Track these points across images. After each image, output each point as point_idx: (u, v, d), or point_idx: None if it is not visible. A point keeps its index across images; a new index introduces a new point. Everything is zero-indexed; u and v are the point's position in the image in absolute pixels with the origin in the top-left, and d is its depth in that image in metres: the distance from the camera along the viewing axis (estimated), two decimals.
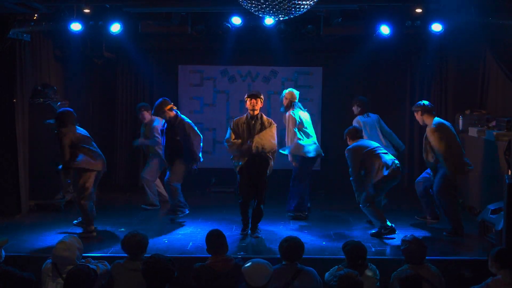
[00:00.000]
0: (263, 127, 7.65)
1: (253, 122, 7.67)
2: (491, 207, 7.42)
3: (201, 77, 11.10)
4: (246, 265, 5.16)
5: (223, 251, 5.72)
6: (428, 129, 7.87)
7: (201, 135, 8.38)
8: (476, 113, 9.47)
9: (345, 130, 8.02)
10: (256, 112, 7.69)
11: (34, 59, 9.26)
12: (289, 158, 8.58)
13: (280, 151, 8.40)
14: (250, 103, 7.66)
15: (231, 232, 7.88)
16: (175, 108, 8.37)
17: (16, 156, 8.65)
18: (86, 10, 8.33)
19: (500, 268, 5.39)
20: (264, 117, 7.78)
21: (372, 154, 7.61)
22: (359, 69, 10.55)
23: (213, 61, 10.96)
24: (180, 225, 8.24)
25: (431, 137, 7.78)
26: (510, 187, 6.47)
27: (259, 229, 7.79)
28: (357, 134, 7.93)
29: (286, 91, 8.71)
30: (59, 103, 9.16)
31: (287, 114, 8.57)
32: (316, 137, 10.56)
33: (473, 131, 8.96)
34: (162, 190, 9.37)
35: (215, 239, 5.74)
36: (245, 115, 7.78)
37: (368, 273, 5.48)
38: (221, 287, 5.49)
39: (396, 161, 7.58)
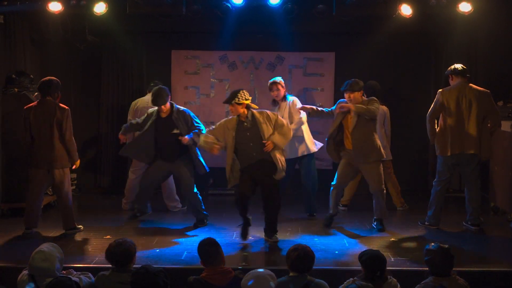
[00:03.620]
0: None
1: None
2: None
3: (197, 64, 11.11)
4: (244, 278, 5.15)
5: (218, 263, 5.71)
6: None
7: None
8: (510, 105, 9.45)
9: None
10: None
11: (7, 43, 9.27)
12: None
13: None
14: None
15: (231, 239, 7.89)
16: None
17: None
18: None
19: None
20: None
21: None
22: (376, 55, 10.55)
23: (211, 45, 10.96)
24: (173, 232, 8.25)
25: None
26: None
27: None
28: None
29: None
30: (36, 94, 9.15)
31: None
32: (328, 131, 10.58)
33: (506, 125, 8.94)
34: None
35: (208, 249, 5.73)
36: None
37: (388, 287, 5.47)
38: None
39: None
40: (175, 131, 8.29)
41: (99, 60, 11.09)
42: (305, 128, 9.03)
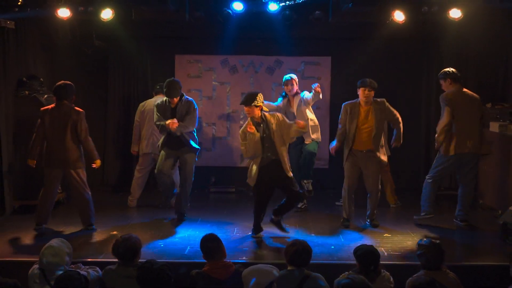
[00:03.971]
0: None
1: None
2: None
3: (199, 67, 11.10)
4: (245, 271, 5.16)
5: (220, 257, 5.73)
6: None
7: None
8: (497, 107, 9.47)
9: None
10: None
11: (18, 48, 9.25)
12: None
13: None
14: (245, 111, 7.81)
15: (233, 235, 7.91)
16: None
17: (0, 152, 8.66)
18: None
19: None
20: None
21: None
22: (371, 59, 10.53)
23: (213, 50, 10.95)
24: (177, 228, 8.26)
25: None
26: None
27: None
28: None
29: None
30: (46, 96, 9.16)
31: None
32: (325, 132, 10.59)
33: (494, 126, 8.96)
34: None
35: (210, 245, 5.75)
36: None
37: (381, 280, 5.48)
38: None
39: None
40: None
41: (105, 64, 11.08)
42: (316, 120, 9.22)
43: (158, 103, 8.53)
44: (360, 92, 8.20)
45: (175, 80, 8.46)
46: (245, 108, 7.70)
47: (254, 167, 7.66)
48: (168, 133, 8.36)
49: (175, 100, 8.34)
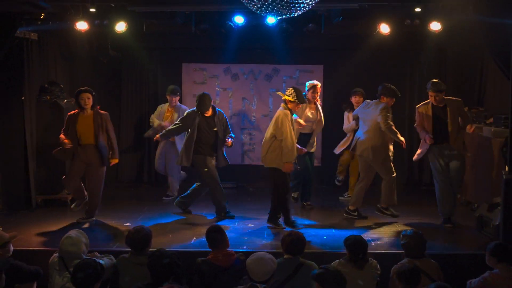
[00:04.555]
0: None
1: None
2: (489, 202, 7.41)
3: (204, 75, 11.08)
4: (249, 259, 5.13)
5: (223, 246, 5.71)
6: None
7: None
8: (474, 110, 9.44)
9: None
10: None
11: (41, 57, 9.25)
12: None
13: None
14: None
15: (234, 226, 7.89)
16: None
17: (25, 152, 8.69)
18: (92, 10, 8.32)
19: (497, 262, 5.39)
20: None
21: None
22: (359, 67, 10.52)
23: (216, 59, 10.93)
24: (184, 220, 8.24)
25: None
26: (507, 182, 6.47)
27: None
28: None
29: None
30: (65, 101, 9.16)
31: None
32: (317, 135, 10.58)
33: (470, 127, 8.93)
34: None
35: (214, 235, 5.74)
36: None
37: (369, 267, 5.47)
38: (223, 281, 5.48)
39: None
40: (214, 129, 8.25)
41: (119, 71, 11.06)
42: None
43: (189, 112, 8.34)
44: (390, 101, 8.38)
45: (206, 93, 8.31)
46: (297, 106, 7.75)
47: (294, 149, 7.63)
48: (202, 142, 8.18)
49: (206, 112, 8.22)
